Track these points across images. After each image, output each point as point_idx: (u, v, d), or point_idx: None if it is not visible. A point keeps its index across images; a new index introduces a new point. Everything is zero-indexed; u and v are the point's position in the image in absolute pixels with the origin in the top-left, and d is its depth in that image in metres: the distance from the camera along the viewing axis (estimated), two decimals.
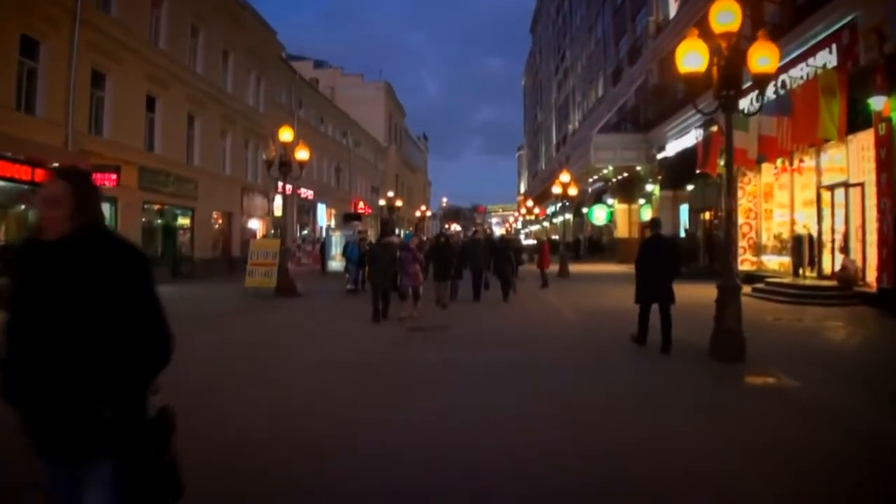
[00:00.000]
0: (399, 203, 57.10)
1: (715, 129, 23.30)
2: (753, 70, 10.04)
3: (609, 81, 44.89)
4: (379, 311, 14.81)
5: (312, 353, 11.22)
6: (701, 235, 29.25)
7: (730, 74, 9.77)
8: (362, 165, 66.38)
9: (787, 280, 19.80)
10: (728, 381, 8.75)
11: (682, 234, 32.04)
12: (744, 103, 22.63)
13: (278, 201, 41.70)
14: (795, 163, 21.13)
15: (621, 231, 41.95)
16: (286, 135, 20.43)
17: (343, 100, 65.48)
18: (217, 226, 34.51)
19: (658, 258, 11.08)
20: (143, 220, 27.54)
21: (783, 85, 19.91)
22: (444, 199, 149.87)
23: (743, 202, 23.92)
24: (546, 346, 11.55)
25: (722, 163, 23.73)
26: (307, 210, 49.56)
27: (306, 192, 47.75)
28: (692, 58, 9.82)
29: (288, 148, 20.73)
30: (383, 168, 75.61)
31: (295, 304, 18.85)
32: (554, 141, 75.18)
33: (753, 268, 23.78)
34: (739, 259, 23.86)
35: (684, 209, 32.22)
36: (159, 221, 28.98)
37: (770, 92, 20.59)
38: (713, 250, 27.80)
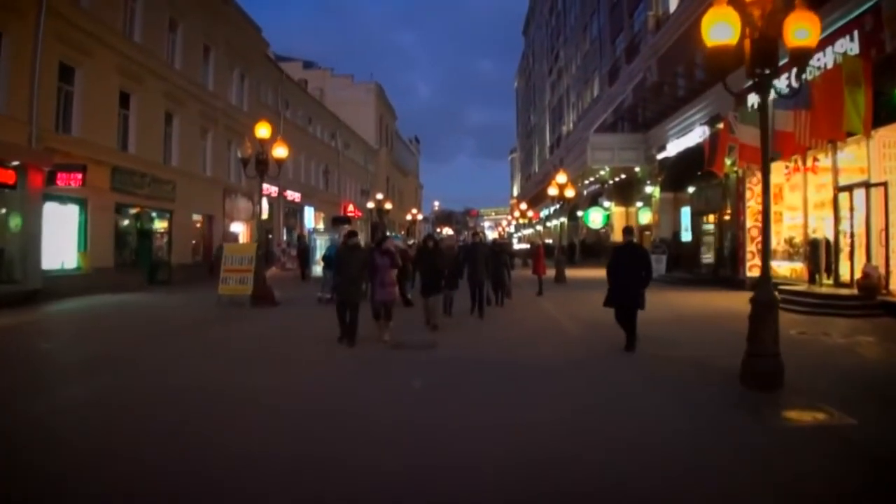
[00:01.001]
0: (389, 206, 55.59)
1: (721, 126, 21.97)
2: (790, 44, 8.57)
3: (605, 81, 43.57)
4: (348, 332, 12.06)
5: (253, 392, 8.61)
6: (714, 239, 27.81)
7: (764, 49, 8.35)
8: (352, 168, 64.91)
9: (802, 287, 18.36)
10: (768, 417, 7.29)
11: (687, 238, 30.68)
12: (753, 97, 21.60)
13: (264, 204, 40.30)
14: (809, 161, 19.75)
15: (618, 235, 40.47)
16: (263, 131, 18.94)
17: (333, 101, 64.04)
18: (197, 229, 32.98)
19: (629, 265, 11.28)
20: (117, 223, 26.00)
21: (798, 75, 18.53)
22: (436, 203, 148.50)
23: (751, 204, 22.53)
24: (551, 371, 9.98)
25: (729, 162, 22.57)
26: (294, 213, 48.05)
27: (293, 195, 46.31)
28: (721, 29, 8.33)
29: (265, 145, 19.25)
30: (374, 170, 74.13)
31: (268, 316, 17.26)
32: (548, 143, 73.90)
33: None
34: (748, 265, 22.54)
35: (685, 212, 30.84)
36: (134, 225, 27.41)
37: (783, 84, 19.28)
38: (719, 255, 26.46)
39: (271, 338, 13.59)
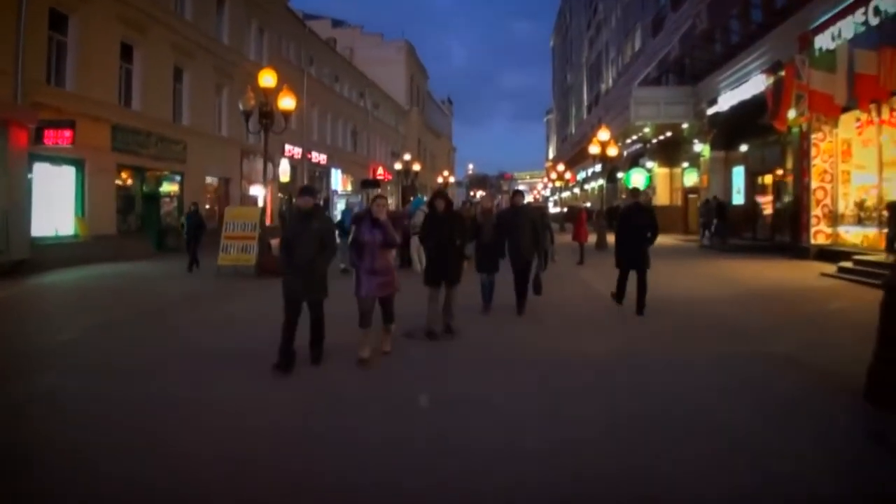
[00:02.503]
0: (417, 167, 53.13)
1: (784, 73, 19.35)
2: None
3: (648, 32, 40.63)
4: (289, 352, 7.63)
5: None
6: (771, 202, 25.21)
7: None
8: (381, 129, 62.66)
9: (879, 258, 15.81)
10: None
11: (739, 201, 28.09)
12: (822, 40, 18.94)
13: (285, 166, 38.37)
14: (886, 113, 17.13)
15: (661, 198, 37.96)
16: (267, 79, 16.78)
17: (362, 61, 61.63)
18: (212, 193, 31.13)
19: (636, 226, 11.30)
20: (121, 186, 24.17)
21: (876, 11, 15.91)
22: (471, 166, 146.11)
23: (817, 162, 19.94)
24: (605, 374, 7.54)
25: (792, 115, 19.94)
26: (319, 176, 46.00)
27: (318, 157, 44.25)
28: None
29: (270, 95, 17.10)
30: (404, 132, 71.72)
31: (271, 291, 15.23)
32: (585, 102, 70.87)
33: (828, 241, 19.90)
34: (812, 231, 20.05)
35: (738, 172, 28.22)
36: (140, 188, 25.55)
37: (859, 20, 16.65)
38: (778, 220, 23.93)
39: (258, 323, 10.66)
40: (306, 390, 7.02)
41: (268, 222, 35.25)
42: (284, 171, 37.97)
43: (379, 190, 52.72)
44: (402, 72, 73.50)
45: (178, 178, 27.74)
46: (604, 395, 6.62)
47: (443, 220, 9.48)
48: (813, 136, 19.73)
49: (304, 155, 41.51)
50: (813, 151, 19.83)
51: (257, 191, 34.86)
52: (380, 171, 57.09)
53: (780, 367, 7.57)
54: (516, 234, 11.04)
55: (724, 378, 7.21)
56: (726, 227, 26.01)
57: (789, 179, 23.08)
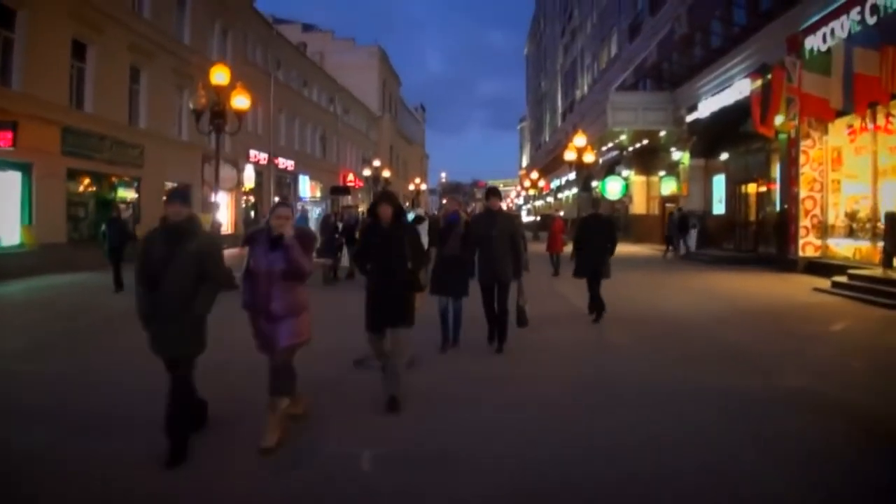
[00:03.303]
0: (387, 173, 51.87)
1: (770, 77, 18.46)
2: None
3: (625, 37, 39.81)
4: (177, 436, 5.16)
5: None
6: (755, 212, 24.41)
7: None
8: (352, 135, 61.31)
9: (878, 273, 14.85)
10: None
11: (720, 211, 27.24)
12: (813, 41, 18.06)
13: (250, 172, 36.99)
14: (881, 119, 16.28)
15: (638, 207, 37.12)
16: (219, 76, 15.52)
17: (333, 66, 60.36)
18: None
19: (595, 236, 11.49)
20: (71, 192, 22.67)
21: (874, 9, 15.04)
22: (444, 174, 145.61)
23: (806, 170, 19.05)
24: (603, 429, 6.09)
25: (779, 121, 19.07)
26: (287, 182, 44.59)
27: (286, 163, 42.87)
28: None
29: (222, 94, 15.84)
30: (376, 138, 70.46)
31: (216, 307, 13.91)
32: (559, 109, 70.07)
33: (817, 253, 19.01)
34: (801, 242, 19.13)
35: (718, 181, 27.36)
36: (92, 194, 24.04)
37: (855, 18, 15.78)
38: (763, 230, 23.08)
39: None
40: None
41: (231, 231, 34.23)
42: (249, 177, 36.58)
43: (349, 198, 51.41)
44: (374, 77, 72.31)
45: (135, 183, 26.27)
46: (604, 459, 5.27)
47: (387, 235, 6.45)
48: (802, 142, 18.85)
49: (270, 161, 40.13)
50: (802, 159, 18.96)
51: (221, 197, 33.55)
52: (350, 177, 55.75)
53: (801, 407, 6.43)
54: (489, 246, 8.70)
55: (744, 426, 5.97)
56: (692, 240, 25.50)
57: (773, 188, 22.23)
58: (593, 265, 11.36)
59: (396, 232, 6.44)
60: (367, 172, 50.85)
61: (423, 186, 79.03)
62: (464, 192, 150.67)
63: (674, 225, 26.72)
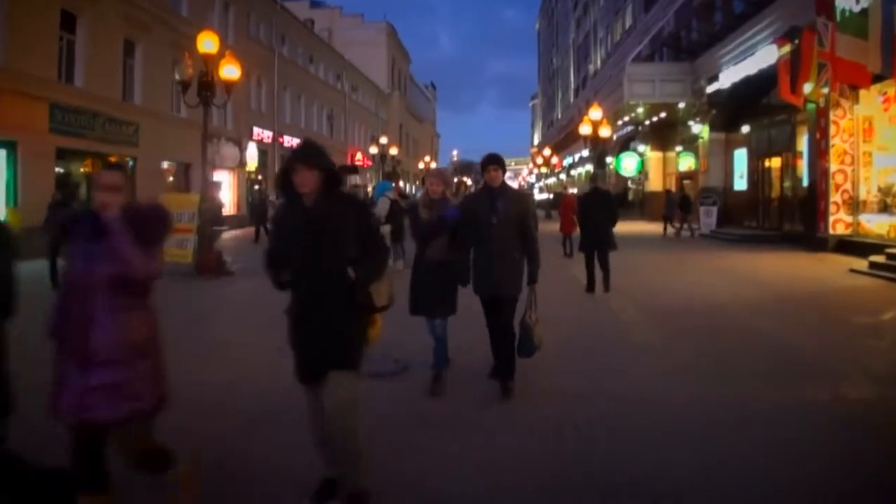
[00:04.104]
0: (394, 151, 50.58)
1: (797, 42, 17.18)
2: None
3: (640, 8, 38.43)
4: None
5: None
6: (779, 187, 23.14)
7: None
8: (360, 113, 60.10)
9: None
10: None
11: (741, 187, 25.98)
12: (845, 0, 16.68)
13: (253, 150, 35.93)
14: None
15: (654, 183, 35.81)
16: (208, 43, 14.38)
17: (341, 43, 59.12)
18: (169, 180, 28.69)
19: (596, 210, 11.82)
20: (60, 171, 21.68)
21: None
22: (455, 152, 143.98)
23: (836, 142, 17.79)
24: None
25: (808, 88, 17.79)
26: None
27: (291, 141, 41.74)
28: None
29: (211, 63, 14.74)
30: (385, 117, 69.22)
31: (204, 295, 12.89)
32: (572, 85, 68.70)
33: (848, 231, 17.80)
34: (831, 219, 17.91)
35: (740, 155, 26.05)
36: (83, 174, 23.03)
37: None
38: (788, 207, 21.86)
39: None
40: None
41: (234, 211, 33.27)
42: (252, 156, 35.52)
43: (357, 178, 50.24)
44: (383, 54, 70.97)
45: (130, 162, 25.27)
46: None
47: (312, 222, 3.68)
48: (832, 112, 17.57)
49: (274, 139, 39.07)
50: (832, 130, 17.68)
51: (222, 176, 32.56)
52: (358, 156, 54.63)
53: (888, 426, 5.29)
54: (487, 239, 5.95)
55: (834, 468, 4.60)
56: (712, 217, 24.47)
57: (800, 162, 20.98)
58: (596, 239, 11.78)
59: (329, 214, 3.69)
60: (373, 150, 49.55)
61: (433, 165, 77.57)
62: (475, 170, 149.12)
63: (673, 203, 25.91)
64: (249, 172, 36.17)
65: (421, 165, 68.78)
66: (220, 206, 25.55)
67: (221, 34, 31.67)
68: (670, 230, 25.75)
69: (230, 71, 14.83)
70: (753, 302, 10.88)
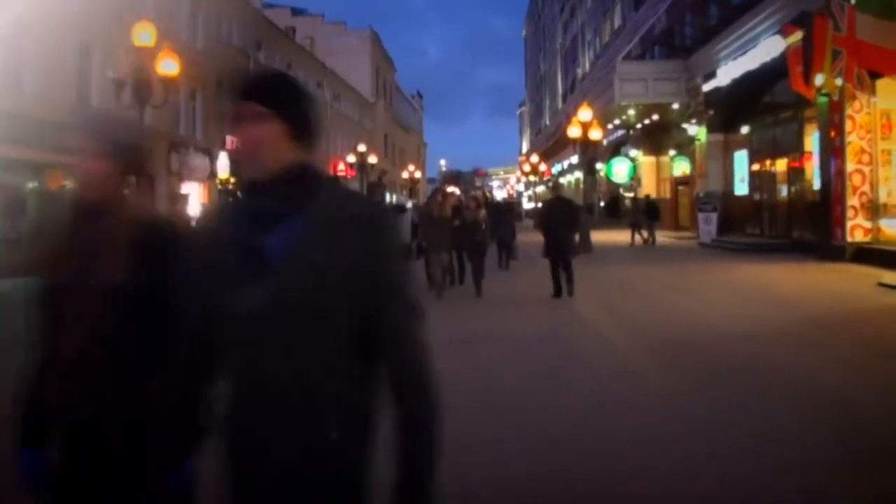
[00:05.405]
0: (373, 159, 48.75)
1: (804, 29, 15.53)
2: None
3: (629, 6, 36.90)
4: None
5: None
6: (786, 191, 21.45)
7: None
8: (343, 122, 58.34)
9: None
10: None
11: (742, 191, 24.31)
12: None
13: (224, 161, 34.13)
14: None
15: (648, 189, 34.19)
16: (143, 36, 12.59)
17: (324, 51, 57.53)
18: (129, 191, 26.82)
19: (559, 218, 11.98)
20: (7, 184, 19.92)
21: None
22: (443, 162, 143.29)
23: (853, 139, 16.12)
24: None
25: (819, 81, 16.13)
26: None
27: None
28: None
29: (147, 58, 12.95)
30: (370, 126, 67.49)
31: None
32: (560, 91, 67.28)
33: (867, 238, 16.10)
34: (848, 225, 16.20)
35: (740, 157, 24.37)
36: (32, 188, 21.27)
37: None
38: (796, 212, 20.20)
39: None
40: None
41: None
42: (223, 167, 33.74)
43: None
44: (367, 62, 69.36)
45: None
46: None
47: None
48: (847, 106, 15.89)
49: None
50: (847, 125, 16.00)
51: (191, 189, 30.74)
52: (341, 167, 52.90)
53: None
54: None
55: None
56: (712, 224, 23.11)
57: (808, 163, 19.33)
58: (559, 246, 11.85)
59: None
60: (351, 158, 47.93)
61: (418, 174, 75.62)
62: (464, 180, 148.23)
63: (640, 211, 25.03)
64: (221, 181, 34.34)
65: (405, 175, 67.18)
66: (187, 219, 23.74)
67: (188, 37, 30.17)
68: (638, 238, 24.68)
69: (168, 66, 12.99)
70: (780, 329, 8.85)
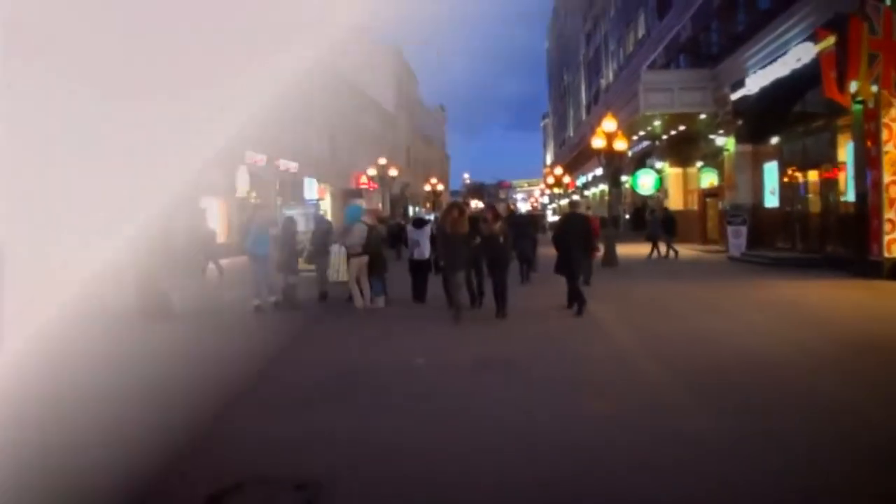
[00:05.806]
0: (394, 172, 48.16)
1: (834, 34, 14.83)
2: None
3: (653, 15, 36.22)
4: None
5: None
6: (819, 204, 20.59)
7: None
8: (366, 135, 58.07)
9: None
10: None
11: (773, 204, 23.50)
12: None
13: (244, 175, 33.84)
14: None
15: (675, 202, 33.39)
16: None
17: (346, 64, 57.25)
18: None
19: (574, 235, 11.82)
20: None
21: None
22: (466, 176, 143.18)
23: (889, 149, 15.33)
24: None
25: (853, 87, 15.40)
26: (291, 186, 41.26)
27: (286, 165, 39.58)
28: None
29: None
30: (392, 139, 67.19)
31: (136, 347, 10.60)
32: (584, 102, 66.62)
33: None
34: (886, 240, 15.42)
35: (770, 169, 23.55)
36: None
37: None
38: (829, 226, 19.40)
39: None
40: None
41: (223, 240, 30.98)
42: (243, 181, 33.46)
43: (362, 200, 47.98)
44: (390, 75, 69.13)
45: None
46: None
47: None
48: (884, 114, 15.13)
49: (269, 162, 36.95)
50: (884, 134, 15.21)
51: (210, 204, 30.43)
52: (363, 179, 52.61)
53: None
54: None
55: None
56: (741, 238, 22.58)
57: (842, 174, 18.53)
58: (570, 263, 11.65)
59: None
60: (371, 171, 47.53)
61: (440, 187, 74.95)
62: (488, 192, 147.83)
63: (657, 224, 24.26)
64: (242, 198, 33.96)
65: (427, 187, 66.77)
66: (210, 233, 23.31)
67: None
68: (658, 251, 23.98)
69: None
70: (831, 361, 7.89)
